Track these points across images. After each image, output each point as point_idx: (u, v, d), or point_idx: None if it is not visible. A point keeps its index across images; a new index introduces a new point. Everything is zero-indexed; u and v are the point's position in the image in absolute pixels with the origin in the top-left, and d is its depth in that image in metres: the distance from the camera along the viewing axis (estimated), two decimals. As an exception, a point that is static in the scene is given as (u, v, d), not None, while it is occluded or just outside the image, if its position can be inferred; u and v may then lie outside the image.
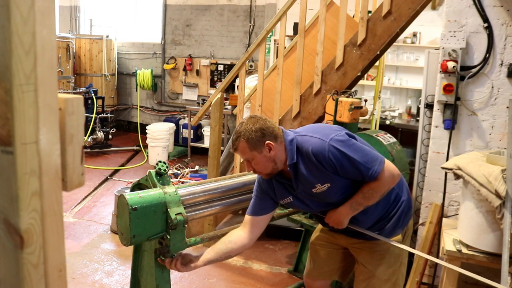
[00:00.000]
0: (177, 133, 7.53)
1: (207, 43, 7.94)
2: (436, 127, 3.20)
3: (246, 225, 2.09)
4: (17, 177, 0.63)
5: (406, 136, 5.80)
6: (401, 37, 5.83)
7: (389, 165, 1.92)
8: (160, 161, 2.08)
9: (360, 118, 3.40)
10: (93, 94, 7.09)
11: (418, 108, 5.64)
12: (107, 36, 8.20)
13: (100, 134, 7.11)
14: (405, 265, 2.22)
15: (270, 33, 4.94)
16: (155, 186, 2.02)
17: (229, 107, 6.50)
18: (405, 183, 2.17)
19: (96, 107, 6.99)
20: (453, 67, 2.98)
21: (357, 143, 1.92)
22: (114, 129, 7.57)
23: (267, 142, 1.91)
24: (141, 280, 2.15)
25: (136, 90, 8.36)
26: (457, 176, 2.65)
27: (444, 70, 3.02)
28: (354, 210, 1.97)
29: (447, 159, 3.01)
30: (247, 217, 2.10)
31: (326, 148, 1.86)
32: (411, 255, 3.45)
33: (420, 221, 3.33)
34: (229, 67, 7.61)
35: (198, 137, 7.54)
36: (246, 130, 1.92)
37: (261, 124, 1.93)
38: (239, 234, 2.09)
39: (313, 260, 2.40)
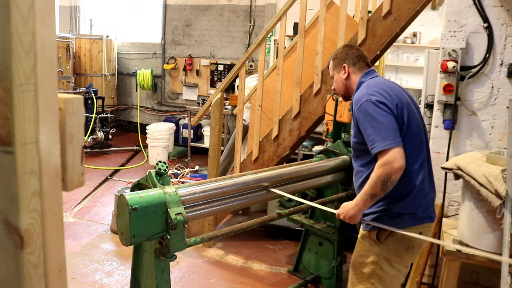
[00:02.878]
0: (177, 133, 7.53)
1: (207, 43, 7.94)
2: (436, 127, 3.20)
3: None
4: (17, 177, 0.63)
5: (406, 136, 5.78)
6: (401, 37, 5.83)
7: (394, 153, 1.88)
8: (160, 161, 2.08)
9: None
10: (93, 94, 7.09)
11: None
12: (107, 36, 8.20)
13: (100, 134, 7.11)
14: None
15: (270, 33, 4.94)
16: (155, 186, 2.02)
17: (229, 107, 6.50)
18: (417, 202, 2.07)
19: (96, 107, 6.99)
20: (453, 67, 2.98)
21: (383, 116, 1.95)
22: (114, 129, 7.57)
23: (344, 64, 2.22)
24: (141, 280, 2.15)
25: (136, 90, 8.36)
26: (457, 176, 2.65)
27: (444, 70, 3.02)
28: (363, 200, 1.98)
29: (447, 159, 3.01)
30: None
31: (359, 103, 2.02)
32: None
33: (420, 221, 3.33)
34: (229, 67, 7.60)
35: (198, 137, 7.54)
36: (338, 50, 2.29)
37: (347, 50, 2.24)
38: None
39: None
